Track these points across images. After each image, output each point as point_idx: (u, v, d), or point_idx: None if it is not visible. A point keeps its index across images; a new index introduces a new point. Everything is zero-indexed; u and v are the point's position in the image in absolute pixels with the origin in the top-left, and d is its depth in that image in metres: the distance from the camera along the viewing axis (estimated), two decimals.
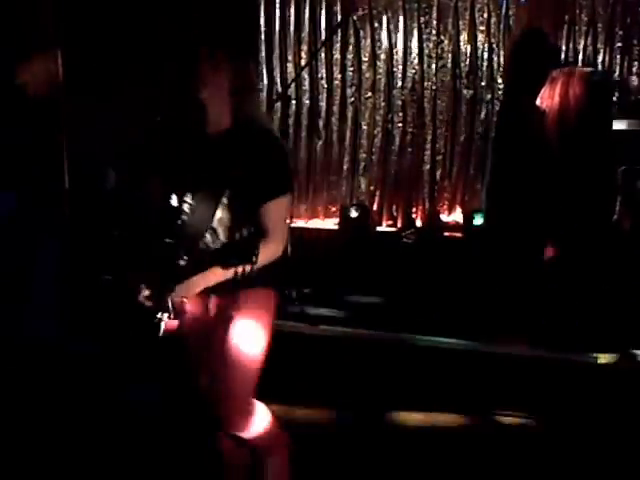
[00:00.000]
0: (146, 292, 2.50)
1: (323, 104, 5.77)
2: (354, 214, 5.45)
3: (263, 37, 5.73)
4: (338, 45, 5.70)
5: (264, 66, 5.73)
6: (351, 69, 5.72)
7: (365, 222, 5.50)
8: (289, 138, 5.71)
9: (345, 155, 5.82)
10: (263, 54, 5.73)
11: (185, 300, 2.59)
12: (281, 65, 5.75)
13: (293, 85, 5.61)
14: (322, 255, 5.10)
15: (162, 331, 2.52)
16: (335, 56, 5.72)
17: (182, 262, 2.49)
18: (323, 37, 5.67)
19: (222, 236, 2.56)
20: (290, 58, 5.75)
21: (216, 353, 2.65)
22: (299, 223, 5.80)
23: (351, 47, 5.70)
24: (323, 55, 5.71)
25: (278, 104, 5.68)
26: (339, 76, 5.73)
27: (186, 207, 2.61)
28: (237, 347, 2.63)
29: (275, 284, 2.71)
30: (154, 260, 2.51)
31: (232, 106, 2.59)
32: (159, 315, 2.50)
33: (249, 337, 2.64)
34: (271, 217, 2.54)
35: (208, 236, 2.57)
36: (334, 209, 5.83)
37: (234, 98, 2.59)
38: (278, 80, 5.75)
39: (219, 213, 2.54)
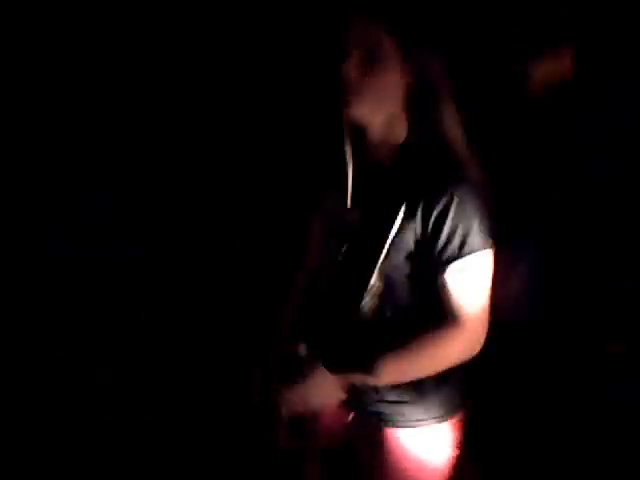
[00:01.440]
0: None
1: None
2: None
3: None
4: None
5: None
6: None
7: None
8: None
9: None
10: None
11: (310, 414, 1.76)
12: None
13: None
14: None
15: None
16: None
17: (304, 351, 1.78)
18: None
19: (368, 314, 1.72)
20: None
21: None
22: None
23: None
24: None
25: None
26: None
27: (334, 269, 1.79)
28: None
29: (460, 400, 1.81)
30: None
31: (407, 124, 1.68)
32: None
33: None
34: (457, 289, 1.63)
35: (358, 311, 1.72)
36: None
37: (410, 111, 1.67)
38: None
39: (374, 279, 1.69)
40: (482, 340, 1.67)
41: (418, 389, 1.72)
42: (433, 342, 1.64)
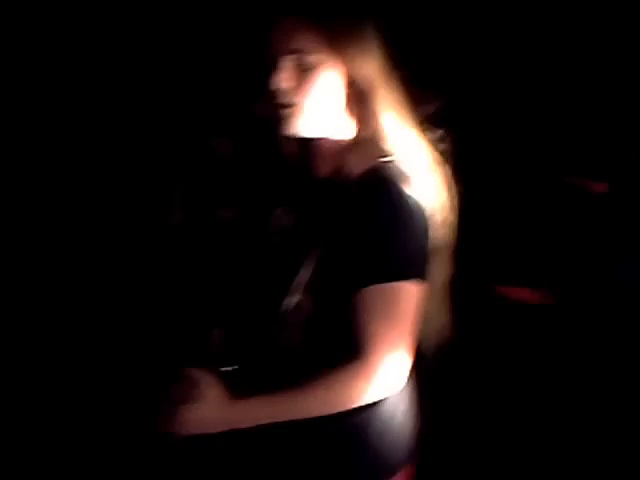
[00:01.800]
0: None
1: None
2: None
3: None
4: None
5: None
6: None
7: None
8: None
9: None
10: None
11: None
12: None
13: None
14: None
15: None
16: None
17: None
18: None
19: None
20: None
21: None
22: None
23: None
24: None
25: None
26: None
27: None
28: None
29: (407, 454, 1.54)
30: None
31: (351, 129, 1.49)
32: None
33: None
34: (362, 316, 1.37)
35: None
36: None
37: (353, 116, 1.47)
38: None
39: (294, 297, 1.45)
40: (391, 382, 1.39)
41: (349, 445, 1.47)
42: (326, 380, 1.37)
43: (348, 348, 1.37)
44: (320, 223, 1.46)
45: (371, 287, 1.37)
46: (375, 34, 1.46)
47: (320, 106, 1.45)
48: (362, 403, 1.40)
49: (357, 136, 1.49)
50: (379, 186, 1.41)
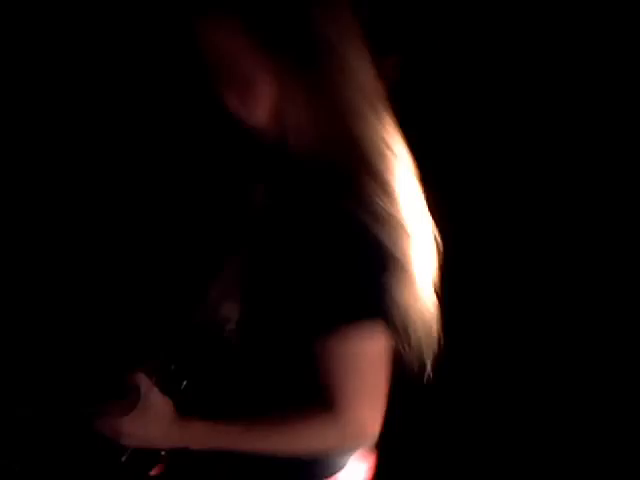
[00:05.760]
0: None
1: None
2: None
3: None
4: None
5: None
6: None
7: None
8: None
9: None
10: None
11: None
12: None
13: None
14: None
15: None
16: None
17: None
18: None
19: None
20: None
21: None
22: None
23: None
24: None
25: None
26: None
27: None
28: None
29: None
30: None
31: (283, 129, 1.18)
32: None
33: None
34: (331, 365, 1.17)
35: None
36: None
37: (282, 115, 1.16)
38: None
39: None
40: (365, 439, 1.25)
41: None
42: (296, 426, 1.23)
43: (316, 394, 1.20)
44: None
45: (333, 333, 1.15)
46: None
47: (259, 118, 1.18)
48: (337, 453, 1.31)
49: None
50: (323, 212, 1.13)
